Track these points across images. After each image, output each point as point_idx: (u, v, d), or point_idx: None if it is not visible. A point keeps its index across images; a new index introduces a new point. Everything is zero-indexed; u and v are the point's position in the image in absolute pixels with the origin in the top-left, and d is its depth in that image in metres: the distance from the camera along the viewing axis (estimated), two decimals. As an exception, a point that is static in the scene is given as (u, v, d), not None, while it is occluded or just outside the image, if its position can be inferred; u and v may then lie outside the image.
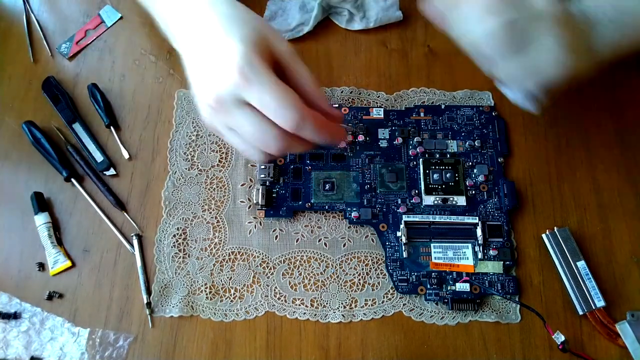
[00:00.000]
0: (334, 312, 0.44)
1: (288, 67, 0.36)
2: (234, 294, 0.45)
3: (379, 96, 0.51)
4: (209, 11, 0.36)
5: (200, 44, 0.36)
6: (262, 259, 0.46)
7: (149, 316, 0.44)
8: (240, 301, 0.45)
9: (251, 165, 0.49)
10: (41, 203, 0.47)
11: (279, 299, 0.45)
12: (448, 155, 0.48)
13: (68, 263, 0.46)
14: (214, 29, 0.35)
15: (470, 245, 0.46)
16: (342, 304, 0.44)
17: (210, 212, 0.47)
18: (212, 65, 0.34)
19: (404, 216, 0.46)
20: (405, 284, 0.44)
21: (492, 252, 0.45)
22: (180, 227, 0.47)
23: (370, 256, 0.46)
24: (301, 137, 0.34)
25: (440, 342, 0.43)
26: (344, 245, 0.46)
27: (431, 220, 0.46)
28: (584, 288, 0.43)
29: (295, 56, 0.36)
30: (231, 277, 0.45)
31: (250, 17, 0.37)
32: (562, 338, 0.40)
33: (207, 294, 0.45)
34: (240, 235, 0.47)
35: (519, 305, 0.44)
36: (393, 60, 0.53)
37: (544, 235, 0.45)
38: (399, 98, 0.51)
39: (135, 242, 0.46)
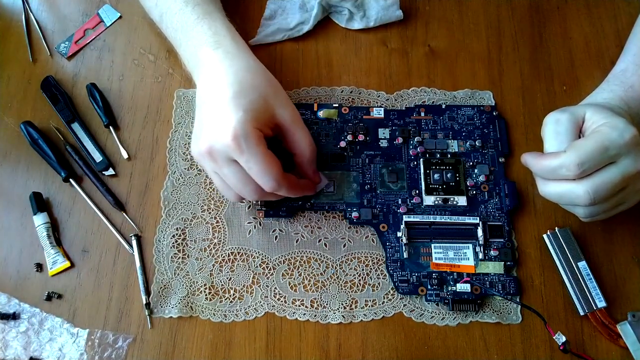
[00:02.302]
0: (334, 313, 0.44)
1: (288, 132, 0.42)
2: (233, 294, 0.45)
3: (379, 96, 0.51)
4: (225, 71, 0.41)
5: (210, 98, 0.40)
6: (262, 259, 0.46)
7: (148, 317, 0.44)
8: (240, 302, 0.44)
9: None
10: (40, 203, 0.47)
11: (278, 299, 0.44)
12: (449, 155, 0.48)
13: (67, 263, 0.46)
14: (224, 89, 0.39)
15: (471, 245, 0.45)
16: (342, 304, 0.44)
17: (210, 213, 0.47)
18: (213, 121, 0.39)
19: (404, 216, 0.46)
20: (406, 284, 0.44)
21: (493, 253, 0.45)
22: (180, 228, 0.47)
23: (371, 257, 0.46)
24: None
25: (441, 343, 0.43)
26: (344, 246, 0.46)
27: (432, 220, 0.46)
28: (585, 288, 0.43)
29: (296, 122, 0.42)
30: (231, 278, 0.45)
31: (261, 81, 0.41)
32: (563, 339, 0.40)
33: (206, 295, 0.45)
34: (239, 235, 0.46)
35: (519, 306, 0.44)
36: (393, 59, 0.53)
37: (545, 236, 0.45)
38: (399, 98, 0.51)
39: (134, 242, 0.46)
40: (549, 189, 0.40)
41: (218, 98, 0.39)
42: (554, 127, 0.40)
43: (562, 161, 0.37)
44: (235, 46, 0.43)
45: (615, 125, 0.37)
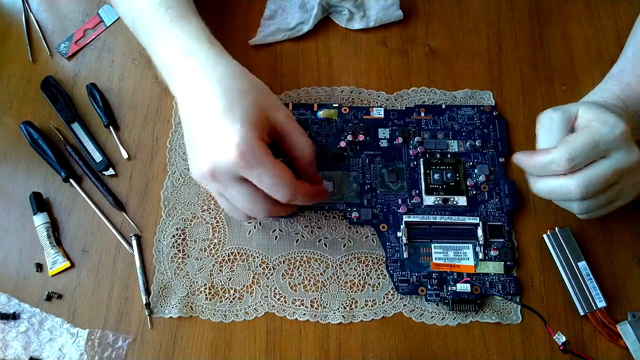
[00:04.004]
0: (334, 313, 0.44)
1: (285, 135, 0.39)
2: (233, 294, 0.45)
3: (379, 96, 0.51)
4: (208, 80, 0.38)
5: (198, 113, 0.37)
6: (262, 259, 0.46)
7: (148, 317, 0.44)
8: (240, 302, 0.44)
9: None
10: (40, 203, 0.47)
11: (278, 299, 0.44)
12: (449, 155, 0.48)
13: (67, 263, 0.46)
14: (213, 101, 0.36)
15: (471, 245, 0.45)
16: (342, 304, 0.44)
17: (210, 212, 0.47)
18: (210, 139, 0.36)
19: (404, 216, 0.46)
20: (406, 284, 0.44)
21: (493, 253, 0.45)
22: (180, 228, 0.47)
23: (371, 257, 0.46)
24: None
25: (441, 343, 0.43)
26: (344, 246, 0.46)
27: (432, 220, 0.46)
28: (585, 288, 0.43)
29: (292, 122, 0.39)
30: (231, 278, 0.45)
31: (249, 86, 0.38)
32: (563, 339, 0.40)
33: (206, 295, 0.45)
34: (239, 235, 0.46)
35: (519, 306, 0.44)
36: (393, 59, 0.53)
37: (545, 236, 0.45)
38: (400, 98, 0.51)
39: (134, 242, 0.46)
40: (540, 185, 0.40)
41: (208, 112, 0.36)
42: (547, 124, 0.40)
43: (553, 157, 0.37)
44: (213, 51, 0.40)
45: (606, 120, 0.37)
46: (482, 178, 0.47)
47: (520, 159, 0.41)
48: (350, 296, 0.44)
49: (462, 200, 0.46)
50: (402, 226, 0.45)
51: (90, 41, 0.54)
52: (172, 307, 0.44)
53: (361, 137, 0.49)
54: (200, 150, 0.37)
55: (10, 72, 0.53)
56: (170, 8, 0.42)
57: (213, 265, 0.45)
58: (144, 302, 0.44)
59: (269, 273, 0.45)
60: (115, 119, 0.51)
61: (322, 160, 0.48)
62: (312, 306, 0.44)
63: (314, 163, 0.42)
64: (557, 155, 0.37)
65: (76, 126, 0.50)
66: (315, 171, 0.42)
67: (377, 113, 0.50)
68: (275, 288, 0.45)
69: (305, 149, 0.40)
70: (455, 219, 0.46)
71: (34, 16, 0.55)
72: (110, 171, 0.49)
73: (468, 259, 0.45)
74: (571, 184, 0.37)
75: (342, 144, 0.49)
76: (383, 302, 0.44)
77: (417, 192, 0.47)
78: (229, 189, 0.37)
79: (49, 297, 0.45)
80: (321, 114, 0.50)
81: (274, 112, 0.38)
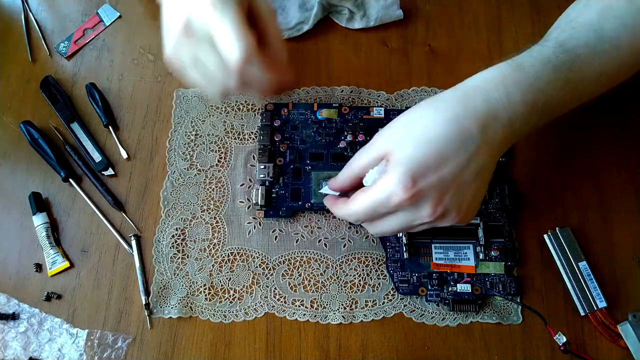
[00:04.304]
0: (334, 313, 0.44)
1: (260, 19, 0.37)
2: (233, 295, 0.45)
3: (379, 95, 0.51)
4: None
5: None
6: (262, 259, 0.46)
7: (147, 317, 0.44)
8: (240, 302, 0.44)
9: (250, 165, 0.49)
10: (39, 203, 0.47)
11: (278, 300, 0.44)
12: (449, 155, 0.48)
13: (66, 264, 0.46)
14: None
15: (471, 245, 0.45)
16: (342, 305, 0.44)
17: (209, 213, 0.47)
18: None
19: (404, 216, 0.46)
20: (406, 284, 0.44)
21: (493, 253, 0.45)
22: (179, 228, 0.47)
23: (371, 257, 0.46)
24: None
25: (441, 344, 0.43)
26: (344, 246, 0.46)
27: (432, 220, 0.45)
28: (586, 289, 0.43)
29: (273, 14, 0.38)
30: (230, 278, 0.45)
31: None
32: (564, 339, 0.40)
33: (206, 295, 0.44)
34: (239, 235, 0.46)
35: (520, 306, 0.43)
36: (393, 59, 0.53)
37: (545, 236, 0.45)
38: (400, 97, 0.51)
39: (133, 242, 0.46)
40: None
41: None
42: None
43: (344, 213, 0.38)
44: None
45: (385, 186, 0.34)
46: (482, 178, 0.47)
47: (331, 206, 0.40)
48: (351, 296, 0.44)
49: (462, 200, 0.46)
50: (402, 226, 0.45)
51: (90, 41, 0.54)
52: (172, 308, 0.44)
53: (361, 137, 0.49)
54: (176, 7, 0.36)
55: (9, 71, 0.53)
56: None
57: (213, 266, 0.45)
58: (144, 303, 0.44)
59: (269, 273, 0.45)
60: (115, 118, 0.51)
61: (322, 160, 0.48)
62: (312, 306, 0.44)
63: (284, 53, 0.39)
64: (345, 214, 0.38)
65: (75, 126, 0.50)
66: (286, 60, 0.39)
67: (377, 113, 0.50)
68: (275, 288, 0.45)
69: (277, 36, 0.38)
70: (455, 219, 0.46)
71: (33, 16, 0.55)
72: (110, 171, 0.49)
73: (468, 259, 0.45)
74: (367, 227, 0.39)
75: (342, 144, 0.49)
76: (383, 303, 0.44)
77: (417, 192, 0.47)
78: (202, 48, 0.35)
79: (48, 298, 0.45)
80: (321, 114, 0.50)
81: None
